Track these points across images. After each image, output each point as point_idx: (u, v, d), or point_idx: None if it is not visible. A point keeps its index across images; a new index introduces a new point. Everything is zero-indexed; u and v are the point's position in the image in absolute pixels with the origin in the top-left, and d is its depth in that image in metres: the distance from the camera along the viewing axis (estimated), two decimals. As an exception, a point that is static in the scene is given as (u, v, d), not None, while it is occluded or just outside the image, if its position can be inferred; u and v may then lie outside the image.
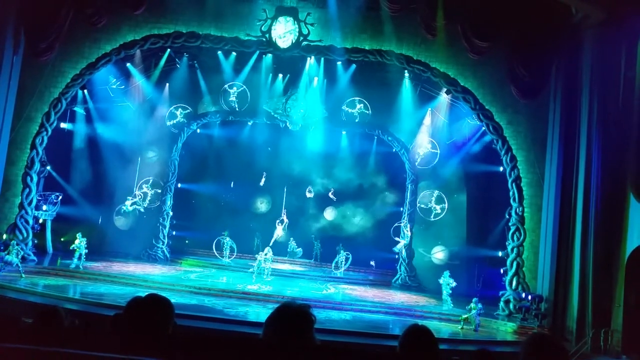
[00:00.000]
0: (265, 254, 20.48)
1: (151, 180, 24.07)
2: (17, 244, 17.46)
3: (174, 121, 24.24)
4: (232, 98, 23.17)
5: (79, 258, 18.29)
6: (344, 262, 23.78)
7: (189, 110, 24.25)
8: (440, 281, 18.06)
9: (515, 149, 18.14)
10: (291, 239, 25.81)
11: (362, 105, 23.26)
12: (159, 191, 24.00)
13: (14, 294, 14.51)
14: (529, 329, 15.76)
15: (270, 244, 23.10)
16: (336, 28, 18.76)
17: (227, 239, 24.07)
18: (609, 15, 15.15)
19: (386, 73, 21.05)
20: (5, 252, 16.33)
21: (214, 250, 24.06)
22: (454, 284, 17.77)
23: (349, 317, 16.19)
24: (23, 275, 16.51)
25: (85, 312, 12.85)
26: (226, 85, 23.07)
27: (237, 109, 23.46)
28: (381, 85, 22.19)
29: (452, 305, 17.44)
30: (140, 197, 23.43)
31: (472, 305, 15.72)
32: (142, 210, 23.36)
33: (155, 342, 2.82)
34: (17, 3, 18.08)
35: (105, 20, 18.73)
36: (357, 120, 23.52)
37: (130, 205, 22.80)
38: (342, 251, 24.15)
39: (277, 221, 25.61)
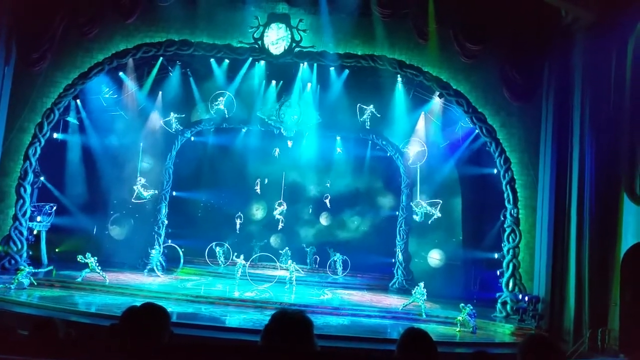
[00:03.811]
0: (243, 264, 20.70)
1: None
2: (25, 265, 17.52)
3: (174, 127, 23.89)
4: (221, 106, 22.82)
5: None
6: (341, 267, 23.68)
7: (183, 116, 23.92)
8: (422, 291, 17.19)
9: (509, 151, 18.21)
10: (286, 248, 25.54)
11: (372, 106, 22.63)
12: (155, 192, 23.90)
13: (8, 305, 14.41)
14: (526, 330, 15.77)
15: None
16: (328, 34, 18.81)
17: (224, 246, 24.00)
18: (599, 17, 15.27)
19: (379, 78, 21.09)
20: (23, 274, 16.42)
21: (206, 258, 24.02)
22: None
23: (346, 322, 16.16)
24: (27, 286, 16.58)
25: (81, 323, 12.79)
26: (218, 93, 22.82)
27: (227, 116, 23.30)
28: (374, 90, 22.17)
29: (425, 316, 17.08)
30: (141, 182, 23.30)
31: (462, 309, 15.81)
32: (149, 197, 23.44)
33: (152, 351, 2.81)
34: (8, 13, 18.04)
35: (98, 30, 18.70)
36: (367, 127, 23.09)
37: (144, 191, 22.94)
38: (337, 255, 24.00)
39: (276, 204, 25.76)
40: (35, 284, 16.81)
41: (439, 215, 22.27)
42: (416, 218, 22.80)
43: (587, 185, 15.29)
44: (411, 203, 23.14)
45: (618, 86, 14.88)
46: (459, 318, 15.87)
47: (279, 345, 2.68)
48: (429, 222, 22.63)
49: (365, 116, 22.54)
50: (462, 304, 16.08)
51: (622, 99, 14.76)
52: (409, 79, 20.21)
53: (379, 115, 22.54)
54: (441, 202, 22.59)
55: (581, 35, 15.98)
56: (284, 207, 25.68)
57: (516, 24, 16.96)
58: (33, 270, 17.26)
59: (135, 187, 22.96)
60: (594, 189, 15.13)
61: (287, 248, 25.43)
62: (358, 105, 22.51)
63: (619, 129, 14.80)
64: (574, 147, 16.01)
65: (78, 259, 17.97)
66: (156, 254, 21.46)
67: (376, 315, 17.31)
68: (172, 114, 23.30)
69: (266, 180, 26.21)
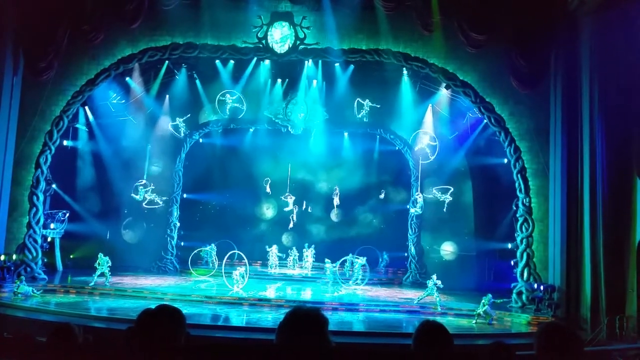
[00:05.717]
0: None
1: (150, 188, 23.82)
2: (20, 275, 17.49)
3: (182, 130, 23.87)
4: (230, 104, 22.69)
5: (100, 275, 18.20)
6: (360, 271, 22.85)
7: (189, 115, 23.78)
8: (435, 283, 17.01)
9: (519, 140, 18.07)
10: (293, 248, 25.30)
11: (368, 100, 22.30)
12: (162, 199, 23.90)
13: (26, 313, 14.57)
14: (543, 319, 15.65)
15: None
16: (332, 30, 18.76)
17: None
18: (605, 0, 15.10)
19: (384, 72, 21.02)
20: (16, 286, 16.27)
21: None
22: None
23: (362, 318, 16.15)
24: (37, 295, 16.43)
25: (99, 328, 12.89)
26: (225, 93, 22.74)
27: (235, 117, 23.27)
28: (380, 84, 22.10)
29: (440, 309, 16.99)
30: (145, 185, 23.24)
31: (484, 301, 15.65)
32: (160, 202, 23.32)
33: (168, 353, 2.82)
34: (14, 24, 18.19)
35: (103, 36, 18.80)
36: (365, 120, 22.75)
37: (144, 194, 22.86)
38: (355, 260, 23.08)
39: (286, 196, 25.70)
40: (37, 295, 16.38)
41: (450, 199, 22.15)
42: (416, 209, 22.77)
43: (599, 171, 15.13)
44: (416, 194, 23.07)
45: (627, 69, 14.70)
46: (479, 311, 15.69)
47: (295, 343, 2.68)
48: (442, 212, 22.52)
49: (363, 111, 22.33)
50: (487, 296, 15.71)
51: (631, 81, 14.58)
52: (415, 71, 20.14)
53: (367, 109, 22.34)
54: (446, 188, 22.51)
55: (587, 19, 15.79)
56: (293, 198, 25.66)
57: (520, 11, 16.78)
58: (29, 277, 17.28)
59: (140, 188, 23.06)
60: (606, 175, 14.97)
61: (294, 248, 25.24)
62: (366, 101, 22.36)
63: (630, 113, 14.62)
64: (584, 133, 15.85)
65: (95, 265, 18.11)
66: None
67: (391, 309, 17.28)
68: (178, 119, 23.28)
69: (270, 181, 26.17)
